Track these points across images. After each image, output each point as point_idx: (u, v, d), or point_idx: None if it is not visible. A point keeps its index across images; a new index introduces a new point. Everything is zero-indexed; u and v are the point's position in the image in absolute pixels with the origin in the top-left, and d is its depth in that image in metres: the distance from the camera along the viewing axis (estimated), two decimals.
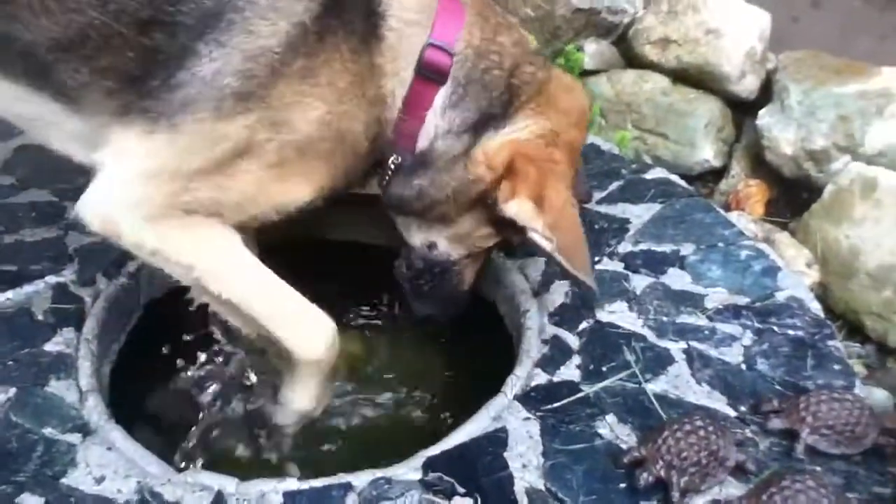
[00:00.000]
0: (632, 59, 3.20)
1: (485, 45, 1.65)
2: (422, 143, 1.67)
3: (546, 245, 1.64)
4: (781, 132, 2.67)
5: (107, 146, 1.48)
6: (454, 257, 1.86)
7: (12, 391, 1.64)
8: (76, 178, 2.37)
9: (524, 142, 1.67)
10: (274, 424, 1.77)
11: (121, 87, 1.43)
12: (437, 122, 1.65)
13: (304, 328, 1.65)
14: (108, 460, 1.50)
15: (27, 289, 1.92)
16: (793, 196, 2.72)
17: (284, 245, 1.91)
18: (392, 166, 1.70)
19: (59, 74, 1.43)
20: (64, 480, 1.46)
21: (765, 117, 2.74)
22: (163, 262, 1.57)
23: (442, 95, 1.64)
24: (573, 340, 1.84)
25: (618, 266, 2.08)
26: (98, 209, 1.51)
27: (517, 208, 1.64)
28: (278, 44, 1.42)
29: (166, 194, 1.49)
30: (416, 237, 1.86)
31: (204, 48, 1.40)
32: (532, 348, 1.83)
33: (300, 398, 1.73)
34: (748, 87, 2.93)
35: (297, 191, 1.59)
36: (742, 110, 3.01)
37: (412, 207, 1.76)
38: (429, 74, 1.61)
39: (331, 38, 1.48)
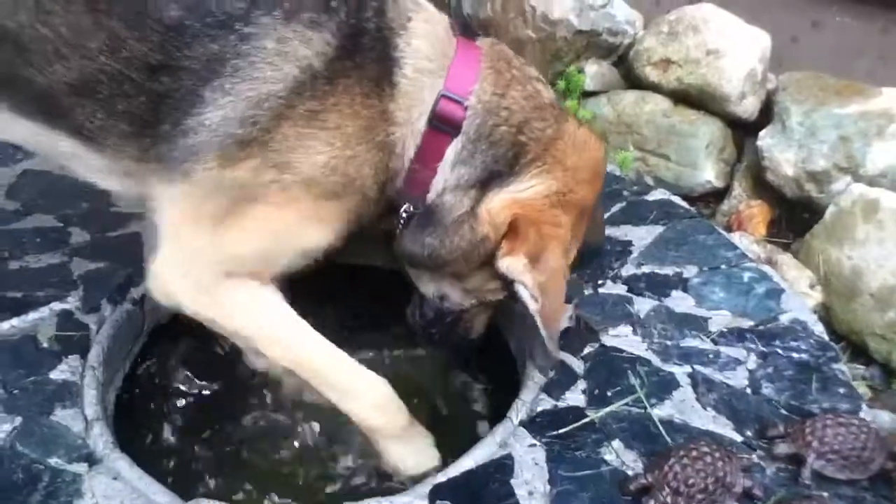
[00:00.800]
0: (633, 80, 3.23)
1: (495, 100, 1.63)
2: (431, 196, 1.65)
3: (531, 303, 1.59)
4: (782, 153, 2.69)
5: (154, 211, 1.54)
6: (465, 307, 1.85)
7: (18, 420, 1.64)
8: (80, 203, 2.42)
9: (527, 202, 1.64)
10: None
11: (136, 130, 1.46)
12: (447, 176, 1.63)
13: (359, 398, 1.67)
14: (115, 490, 1.50)
15: (32, 316, 1.93)
16: (795, 217, 2.73)
17: None
18: (404, 215, 1.68)
19: (78, 117, 1.46)
20: None
21: (765, 138, 2.76)
22: (222, 331, 1.63)
23: (453, 149, 1.62)
24: (578, 365, 1.84)
25: (621, 289, 2.09)
26: (154, 283, 1.59)
27: (509, 263, 1.61)
28: (284, 89, 1.42)
29: (202, 254, 1.54)
30: (428, 288, 1.85)
31: (210, 94, 1.41)
32: (537, 373, 1.82)
33: (399, 463, 1.72)
34: (748, 107, 2.95)
35: (313, 234, 1.58)
36: (743, 131, 3.03)
37: (424, 264, 1.73)
38: (441, 126, 1.59)
39: (343, 81, 1.47)
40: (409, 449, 1.72)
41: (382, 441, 1.71)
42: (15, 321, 1.91)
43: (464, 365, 2.05)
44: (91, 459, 1.58)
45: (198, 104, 1.41)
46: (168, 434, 1.93)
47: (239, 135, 1.43)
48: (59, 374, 1.78)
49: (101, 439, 1.63)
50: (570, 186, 1.68)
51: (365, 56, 1.49)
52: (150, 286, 1.58)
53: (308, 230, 1.57)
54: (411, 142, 1.60)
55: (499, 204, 1.62)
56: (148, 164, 1.49)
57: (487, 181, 1.63)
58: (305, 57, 1.42)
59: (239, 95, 1.41)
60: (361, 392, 1.67)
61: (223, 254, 1.55)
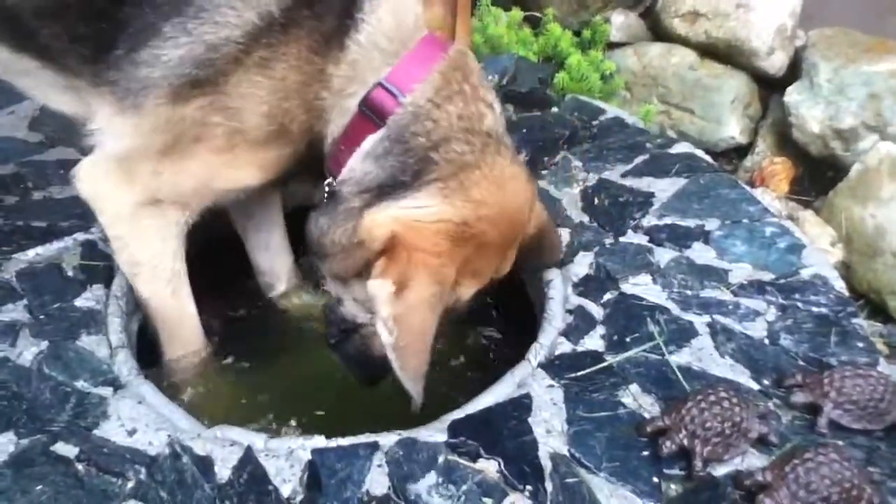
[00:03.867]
0: (659, 33, 3.19)
1: (428, 107, 1.52)
2: (340, 179, 1.59)
3: (384, 335, 1.45)
4: (809, 110, 2.66)
5: (93, 121, 1.58)
6: (360, 321, 1.69)
7: (44, 344, 1.67)
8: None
9: (412, 223, 1.50)
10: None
11: (94, 55, 1.50)
12: (356, 166, 1.56)
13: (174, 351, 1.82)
14: (140, 414, 1.53)
15: (56, 245, 1.95)
16: (818, 174, 2.71)
17: None
18: (326, 189, 1.62)
19: (42, 39, 1.52)
20: (96, 432, 1.49)
21: (793, 94, 2.73)
22: (120, 247, 1.69)
23: (371, 141, 1.54)
24: (597, 311, 1.85)
25: (642, 239, 2.08)
26: (83, 181, 1.63)
27: (376, 288, 1.47)
28: (242, 35, 1.43)
29: (139, 177, 1.58)
30: (330, 285, 1.74)
31: (170, 31, 1.43)
32: (556, 318, 1.83)
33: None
34: (776, 63, 2.91)
35: (245, 177, 1.60)
36: (769, 87, 2.99)
37: (311, 248, 1.66)
38: (369, 113, 1.52)
39: (295, 31, 1.45)
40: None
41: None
42: (40, 249, 1.93)
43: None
44: (116, 384, 1.61)
45: (154, 37, 1.44)
46: None
47: (193, 75, 1.45)
48: (83, 301, 1.81)
49: (125, 365, 1.65)
50: (466, 219, 1.52)
51: (325, 6, 1.46)
52: (80, 182, 1.63)
53: (240, 173, 1.59)
54: (339, 117, 1.55)
55: (382, 216, 1.51)
56: (99, 89, 1.53)
57: (389, 188, 1.54)
58: (266, 3, 1.42)
59: (199, 38, 1.43)
60: (175, 342, 1.81)
61: (160, 182, 1.58)
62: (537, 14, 3.37)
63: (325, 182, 1.62)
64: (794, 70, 2.88)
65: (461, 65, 1.58)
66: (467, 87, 1.56)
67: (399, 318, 1.44)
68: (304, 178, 1.72)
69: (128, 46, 1.46)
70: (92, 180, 1.62)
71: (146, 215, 1.63)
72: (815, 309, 1.84)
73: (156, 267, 1.69)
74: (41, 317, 1.74)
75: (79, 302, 1.80)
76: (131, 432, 1.49)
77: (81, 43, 1.50)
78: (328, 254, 1.61)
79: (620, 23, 3.21)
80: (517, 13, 3.33)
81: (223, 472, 1.41)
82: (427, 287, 1.46)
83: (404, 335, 1.44)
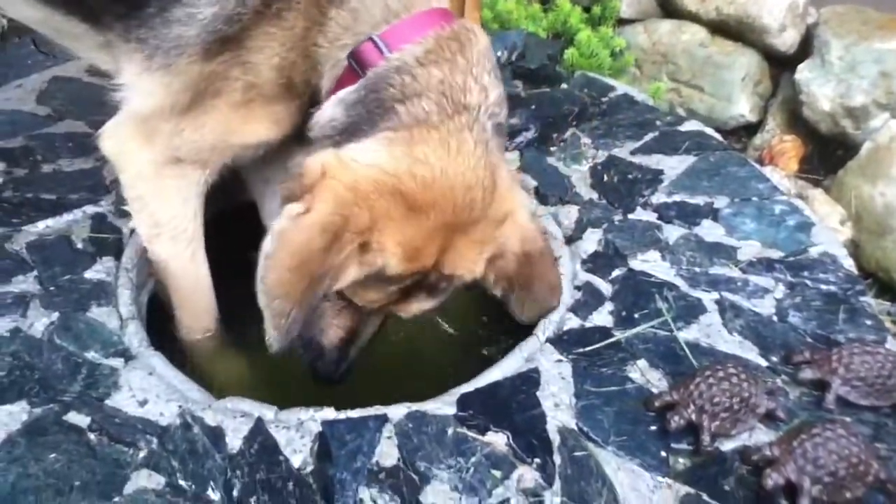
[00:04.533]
0: (669, 9, 3.16)
1: (412, 64, 1.48)
2: (311, 123, 1.56)
3: (265, 246, 1.35)
4: (820, 88, 2.64)
5: (121, 78, 1.59)
6: None
7: (55, 315, 1.68)
8: (110, 109, 2.41)
9: (346, 162, 1.41)
10: None
11: (126, 12, 1.51)
12: (328, 110, 1.53)
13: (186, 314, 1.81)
14: (150, 385, 1.54)
15: (66, 217, 1.96)
16: (828, 153, 2.70)
17: None
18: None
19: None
20: (108, 402, 1.50)
21: (804, 72, 2.71)
22: (139, 208, 1.69)
23: (347, 89, 1.51)
24: (606, 287, 1.85)
25: (651, 216, 2.08)
26: (110, 141, 1.64)
27: (285, 210, 1.37)
28: None
29: (161, 135, 1.58)
30: None
31: None
32: (564, 293, 1.83)
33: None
34: (788, 40, 2.89)
35: (261, 131, 1.61)
36: (780, 64, 2.97)
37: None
38: (355, 66, 1.50)
39: None
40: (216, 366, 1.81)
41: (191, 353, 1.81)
42: (50, 221, 1.94)
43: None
44: (126, 355, 1.62)
45: None
46: None
47: (224, 31, 1.46)
48: (94, 273, 1.81)
49: (135, 337, 1.66)
50: (398, 171, 1.42)
51: None
52: (104, 140, 1.64)
53: (256, 127, 1.59)
54: (331, 70, 1.54)
55: (323, 154, 1.43)
56: (129, 45, 1.54)
57: (346, 135, 1.49)
58: None
59: None
60: (189, 310, 1.80)
61: (181, 140, 1.59)
62: None
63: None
64: (806, 47, 2.86)
65: (462, 38, 1.53)
66: (461, 59, 1.51)
67: (283, 231, 1.34)
68: None
69: (159, 5, 1.47)
70: (116, 139, 1.63)
71: (168, 174, 1.63)
72: (823, 287, 1.84)
73: (176, 227, 1.69)
74: (51, 288, 1.75)
75: (89, 274, 1.81)
76: (142, 403, 1.50)
77: (117, 1, 1.52)
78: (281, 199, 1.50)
79: None
80: None
81: (234, 443, 1.42)
82: (326, 213, 1.35)
83: (280, 249, 1.33)
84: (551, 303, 1.76)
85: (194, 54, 1.48)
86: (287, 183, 1.46)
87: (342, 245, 1.36)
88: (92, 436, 1.43)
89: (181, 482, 1.37)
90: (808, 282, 1.86)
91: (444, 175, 1.44)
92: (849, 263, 1.92)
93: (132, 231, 1.95)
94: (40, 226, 1.92)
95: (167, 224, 1.68)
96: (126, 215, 1.96)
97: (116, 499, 1.33)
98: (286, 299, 1.33)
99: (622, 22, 3.18)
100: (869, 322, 1.75)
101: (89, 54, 1.75)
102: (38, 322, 1.66)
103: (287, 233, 1.34)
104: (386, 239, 1.41)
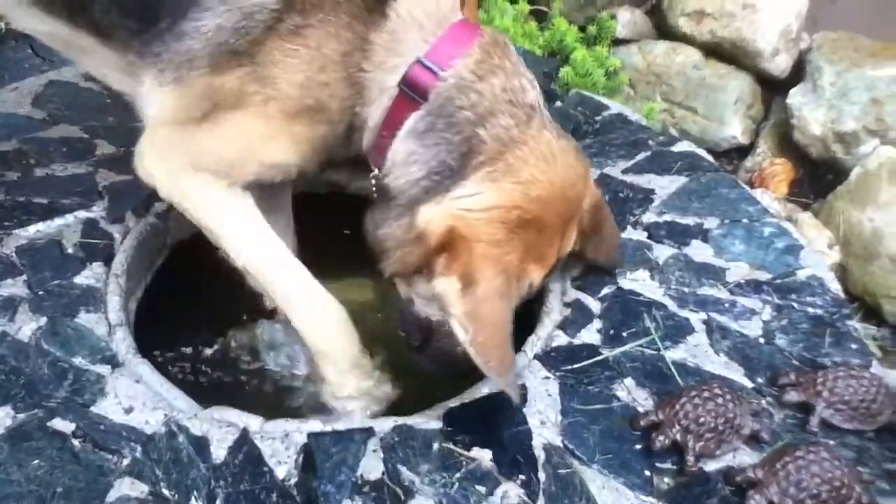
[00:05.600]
0: (665, 31, 3.19)
1: (471, 79, 1.50)
2: (386, 167, 1.55)
3: (460, 334, 1.42)
4: (811, 112, 2.67)
5: (141, 96, 1.59)
6: (435, 318, 1.59)
7: (43, 320, 1.67)
8: (106, 116, 2.42)
9: (467, 215, 1.46)
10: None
11: (140, 28, 1.52)
12: (399, 146, 1.52)
13: (309, 318, 1.66)
14: (137, 392, 1.54)
15: (58, 222, 1.95)
16: (817, 177, 2.73)
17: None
18: (373, 182, 1.59)
19: (95, 13, 1.55)
20: (93, 409, 1.49)
21: (796, 96, 2.74)
22: (192, 219, 1.65)
23: (413, 118, 1.50)
24: (595, 305, 1.85)
25: (641, 235, 2.09)
26: (138, 162, 1.63)
27: (442, 287, 1.46)
28: (276, 1, 1.44)
29: (179, 147, 1.57)
30: (399, 287, 1.66)
31: (209, 1, 1.44)
32: (553, 310, 1.84)
33: (336, 392, 1.69)
34: (780, 65, 2.92)
35: (280, 149, 1.56)
36: (772, 88, 3.00)
37: (369, 243, 1.58)
38: (409, 92, 1.49)
39: None
40: (352, 383, 1.68)
41: (325, 366, 1.68)
42: (41, 226, 1.93)
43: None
44: (114, 362, 1.61)
45: (195, 9, 1.45)
46: (183, 346, 1.97)
47: (231, 44, 1.46)
48: (83, 279, 1.81)
49: (123, 344, 1.66)
50: (517, 202, 1.48)
51: None
52: (136, 163, 1.63)
53: (276, 145, 1.56)
54: (379, 97, 1.52)
55: (435, 210, 1.47)
56: (146, 61, 1.54)
57: (436, 177, 1.50)
58: None
59: (235, 4, 1.44)
60: (312, 312, 1.66)
61: (197, 151, 1.57)
62: (543, 8, 3.38)
63: (371, 175, 1.58)
64: (798, 72, 2.90)
65: (500, 42, 1.58)
66: (507, 62, 1.55)
67: (471, 314, 1.42)
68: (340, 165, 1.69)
69: (171, 19, 1.47)
70: (143, 160, 1.61)
71: (193, 183, 1.59)
72: (810, 310, 1.85)
73: (234, 235, 1.63)
74: (40, 293, 1.74)
75: (78, 279, 1.80)
76: (128, 410, 1.50)
77: (129, 16, 1.52)
78: (386, 252, 1.55)
79: (626, 19, 3.21)
80: (523, 6, 3.34)
81: (219, 453, 1.42)
82: (493, 278, 1.43)
83: (480, 331, 1.41)
84: (618, 238, 1.90)
85: (202, 67, 1.48)
86: (395, 250, 1.52)
87: (516, 292, 1.50)
88: (76, 442, 1.42)
89: (164, 491, 1.36)
90: (795, 304, 1.87)
91: (552, 184, 1.52)
92: (836, 287, 1.93)
93: (123, 238, 1.96)
94: (31, 230, 1.92)
95: (225, 234, 1.62)
96: (116, 221, 1.98)
97: None
98: (507, 359, 1.43)
99: (617, 42, 3.21)
100: (855, 346, 1.76)
101: (111, 78, 1.71)
102: (26, 326, 1.65)
103: (477, 314, 1.42)
104: (530, 263, 1.53)
